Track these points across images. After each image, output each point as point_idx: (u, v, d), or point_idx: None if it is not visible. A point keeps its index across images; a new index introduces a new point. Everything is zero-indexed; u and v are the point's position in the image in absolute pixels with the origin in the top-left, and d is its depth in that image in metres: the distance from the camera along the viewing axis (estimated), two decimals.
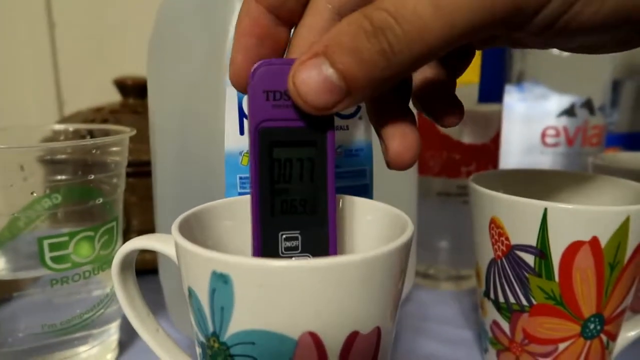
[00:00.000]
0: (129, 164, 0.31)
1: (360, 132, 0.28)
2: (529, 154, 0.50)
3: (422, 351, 0.32)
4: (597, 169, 0.36)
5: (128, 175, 0.31)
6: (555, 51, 0.46)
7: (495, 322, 0.28)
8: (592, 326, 0.25)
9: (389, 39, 0.15)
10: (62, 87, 0.70)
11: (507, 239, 0.26)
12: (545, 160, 0.50)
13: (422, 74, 0.21)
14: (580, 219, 0.23)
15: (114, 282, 0.22)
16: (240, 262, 0.15)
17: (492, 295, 0.28)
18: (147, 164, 0.33)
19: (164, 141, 0.30)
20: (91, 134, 0.32)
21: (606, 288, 0.25)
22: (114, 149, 0.28)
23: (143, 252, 0.21)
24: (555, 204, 0.24)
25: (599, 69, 0.48)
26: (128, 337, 0.32)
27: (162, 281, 0.33)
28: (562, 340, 0.26)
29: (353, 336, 0.16)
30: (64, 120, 0.49)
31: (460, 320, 0.36)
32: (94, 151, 0.27)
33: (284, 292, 0.15)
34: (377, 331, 0.17)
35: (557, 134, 0.49)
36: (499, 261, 0.27)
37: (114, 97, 0.49)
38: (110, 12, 0.67)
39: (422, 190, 0.39)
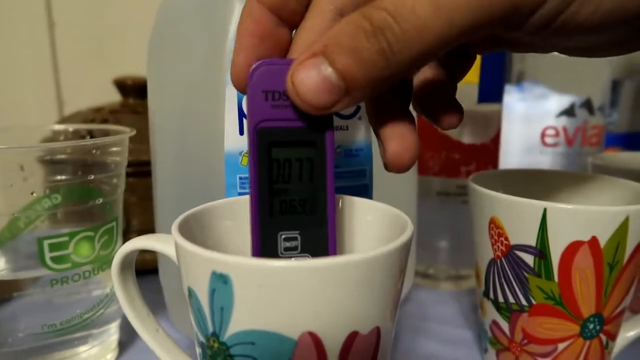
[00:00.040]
0: (129, 164, 0.31)
1: (360, 133, 0.28)
2: (529, 154, 0.51)
3: (422, 351, 0.32)
4: (596, 169, 0.36)
5: (128, 175, 0.31)
6: None
7: (494, 322, 0.28)
8: (591, 326, 0.25)
9: (388, 38, 0.15)
10: (62, 87, 0.70)
11: (506, 239, 0.26)
12: (544, 160, 0.50)
13: (422, 76, 0.21)
14: (579, 219, 0.24)
15: (114, 282, 0.22)
16: (240, 262, 0.15)
17: (491, 295, 0.28)
18: (147, 164, 0.33)
19: (164, 141, 0.30)
20: (91, 134, 0.32)
21: (605, 288, 0.25)
22: (114, 149, 0.28)
23: (143, 252, 0.21)
24: (555, 204, 0.24)
25: (599, 69, 0.48)
26: (128, 337, 0.32)
27: (162, 281, 0.33)
28: (562, 340, 0.26)
29: (352, 336, 0.16)
30: (63, 120, 0.49)
31: (459, 320, 0.36)
32: (94, 151, 0.27)
33: (283, 292, 0.15)
34: (377, 331, 0.17)
35: (557, 134, 0.49)
36: (498, 261, 0.27)
37: (114, 97, 0.49)
38: (110, 12, 0.67)
39: (421, 190, 0.39)
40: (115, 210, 0.29)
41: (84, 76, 0.68)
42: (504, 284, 0.26)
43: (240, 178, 0.26)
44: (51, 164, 0.26)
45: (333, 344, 0.16)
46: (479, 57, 0.38)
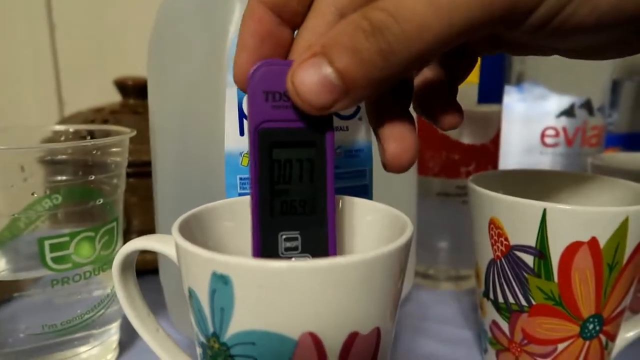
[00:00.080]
0: (130, 165, 0.31)
1: (360, 133, 0.28)
2: (529, 154, 0.51)
3: (422, 351, 0.32)
4: (596, 169, 0.36)
5: (128, 175, 0.31)
6: None
7: (494, 323, 0.28)
8: (591, 326, 0.25)
9: (387, 38, 0.15)
10: (63, 87, 0.70)
11: (506, 239, 0.26)
12: (544, 160, 0.50)
13: (423, 77, 0.21)
14: (579, 219, 0.24)
15: (114, 283, 0.22)
16: (240, 263, 0.15)
17: (491, 296, 0.28)
18: (148, 164, 0.33)
19: (164, 142, 0.30)
20: (91, 134, 0.32)
21: (605, 288, 0.25)
22: (115, 149, 0.29)
23: (143, 252, 0.21)
24: (554, 205, 0.24)
25: (599, 70, 0.48)
26: (128, 338, 0.32)
27: (162, 281, 0.33)
28: (561, 340, 0.26)
29: (353, 336, 0.17)
30: (64, 120, 0.49)
31: (459, 320, 0.36)
32: (94, 152, 0.27)
33: (283, 292, 0.15)
34: (377, 331, 0.17)
35: (557, 135, 0.49)
36: (498, 261, 0.27)
37: (114, 97, 0.49)
38: (110, 13, 0.67)
39: (421, 191, 0.39)
40: (116, 210, 0.29)
41: (84, 77, 0.68)
42: (504, 284, 0.27)
43: (241, 178, 0.26)
44: (52, 164, 0.26)
45: (333, 344, 0.16)
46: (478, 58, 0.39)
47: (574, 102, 0.48)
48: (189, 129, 0.28)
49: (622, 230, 0.24)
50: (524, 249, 0.25)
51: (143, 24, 0.39)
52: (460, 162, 0.40)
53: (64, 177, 0.26)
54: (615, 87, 0.57)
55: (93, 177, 0.27)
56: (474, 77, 0.39)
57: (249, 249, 0.19)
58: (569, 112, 0.49)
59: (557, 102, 0.49)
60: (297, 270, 0.15)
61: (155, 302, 0.27)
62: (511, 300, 0.26)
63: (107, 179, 0.28)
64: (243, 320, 0.16)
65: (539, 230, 0.24)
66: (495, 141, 0.41)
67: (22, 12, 0.66)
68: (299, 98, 0.16)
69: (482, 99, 0.39)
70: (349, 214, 0.23)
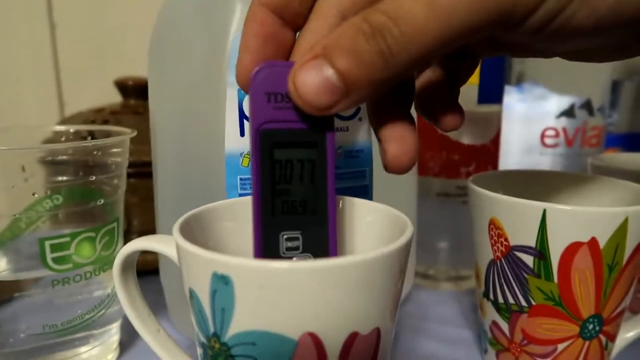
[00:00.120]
0: (130, 165, 0.31)
1: (360, 134, 0.28)
2: (529, 154, 0.51)
3: (422, 351, 0.32)
4: (596, 169, 0.36)
5: (129, 176, 0.31)
6: None
7: (494, 323, 0.28)
8: (590, 327, 0.25)
9: (387, 40, 0.15)
10: (63, 87, 0.70)
11: (506, 239, 0.26)
12: (544, 160, 0.50)
13: (424, 78, 0.21)
14: (579, 220, 0.24)
15: (115, 283, 0.22)
16: (241, 263, 0.16)
17: (491, 296, 0.28)
18: (148, 164, 0.33)
19: (165, 142, 0.30)
20: (92, 135, 0.32)
21: (605, 289, 0.25)
22: (115, 150, 0.29)
23: (144, 252, 0.21)
24: (554, 205, 0.24)
25: (598, 70, 0.48)
26: (129, 338, 0.32)
27: (162, 282, 0.33)
28: (561, 340, 0.26)
29: (353, 337, 0.17)
30: (64, 121, 0.49)
31: (459, 321, 0.36)
32: (95, 152, 0.27)
33: (284, 293, 0.15)
34: (377, 332, 0.17)
35: (557, 135, 0.49)
36: (498, 262, 0.27)
37: (114, 98, 0.49)
38: (111, 13, 0.67)
39: (421, 191, 0.39)
40: (117, 211, 0.29)
41: (84, 77, 0.68)
42: (504, 284, 0.27)
43: (241, 179, 0.26)
44: (52, 164, 0.26)
45: (333, 344, 0.16)
46: None
47: (574, 103, 0.48)
48: (189, 129, 0.28)
49: (621, 230, 0.24)
50: (524, 249, 0.25)
51: (144, 25, 0.39)
52: (460, 163, 0.40)
53: (64, 178, 0.26)
54: (615, 87, 0.57)
55: (94, 178, 0.27)
56: (474, 77, 0.39)
57: (250, 250, 0.19)
58: (569, 113, 0.49)
59: (557, 103, 0.49)
60: (297, 270, 0.15)
61: (156, 303, 0.27)
62: (511, 300, 0.26)
63: (108, 179, 0.28)
64: (243, 320, 0.16)
65: (538, 231, 0.24)
66: (495, 141, 0.41)
67: (23, 12, 0.67)
68: (300, 99, 0.16)
69: (482, 99, 0.39)
70: (349, 214, 0.23)
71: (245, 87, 0.19)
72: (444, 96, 0.21)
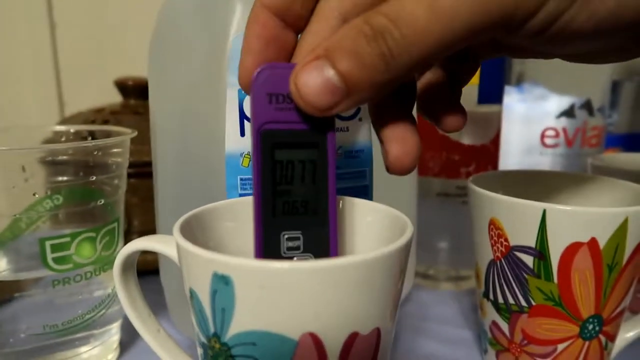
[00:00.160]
0: (130, 165, 0.31)
1: (360, 134, 0.28)
2: (529, 154, 0.51)
3: (422, 351, 0.32)
4: (596, 170, 0.36)
5: (129, 176, 0.31)
6: None
7: (494, 323, 0.28)
8: (590, 327, 0.25)
9: (388, 42, 0.15)
10: (63, 87, 0.70)
11: (506, 240, 0.26)
12: (544, 161, 0.50)
13: (426, 80, 0.21)
14: (578, 220, 0.24)
15: (115, 283, 0.22)
16: (241, 263, 0.16)
17: (491, 296, 0.28)
18: (148, 165, 0.33)
19: (165, 142, 0.30)
20: (92, 135, 0.32)
21: (605, 289, 0.25)
22: (115, 150, 0.29)
23: (144, 252, 0.21)
24: (554, 206, 0.24)
25: (598, 70, 0.48)
26: (129, 338, 0.32)
27: (163, 282, 0.33)
28: (561, 341, 0.26)
29: (353, 337, 0.17)
30: (64, 121, 0.49)
31: (459, 321, 0.36)
32: (95, 152, 0.27)
33: (284, 293, 0.15)
34: (377, 332, 0.17)
35: (557, 135, 0.49)
36: (498, 262, 0.27)
37: (114, 98, 0.49)
38: (111, 13, 0.67)
39: (421, 191, 0.39)
40: (117, 211, 0.29)
41: (85, 77, 0.68)
42: (504, 284, 0.27)
43: (241, 179, 0.26)
44: (53, 165, 0.26)
45: (333, 344, 0.16)
46: None
47: (574, 103, 0.48)
48: (189, 129, 0.28)
49: (621, 230, 0.24)
50: (524, 249, 0.25)
51: (144, 25, 0.39)
52: (461, 163, 0.40)
53: (65, 178, 0.26)
54: (615, 87, 0.57)
55: (94, 178, 0.27)
56: (474, 78, 0.38)
57: (250, 250, 0.19)
58: (569, 113, 0.49)
59: (557, 103, 0.49)
60: (297, 270, 0.15)
61: (156, 303, 0.27)
62: (511, 300, 0.26)
63: (108, 179, 0.28)
64: (244, 320, 0.16)
65: (538, 231, 0.24)
66: (495, 142, 0.41)
67: (23, 11, 0.67)
68: (302, 99, 0.16)
69: (482, 99, 0.39)
70: (349, 214, 0.23)
71: (247, 88, 0.19)
72: (446, 97, 0.21)
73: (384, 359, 0.19)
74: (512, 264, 0.26)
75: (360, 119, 0.27)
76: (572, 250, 0.24)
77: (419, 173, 0.38)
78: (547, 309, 0.25)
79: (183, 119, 0.29)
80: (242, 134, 0.26)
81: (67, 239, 0.26)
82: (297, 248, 0.20)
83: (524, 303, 0.26)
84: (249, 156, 0.26)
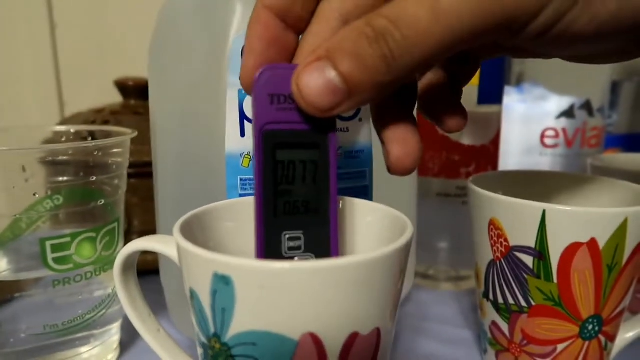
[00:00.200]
0: (131, 165, 0.31)
1: (361, 134, 0.28)
2: (528, 155, 0.51)
3: (422, 351, 0.32)
4: (595, 170, 0.36)
5: (129, 176, 0.31)
6: None
7: (494, 323, 0.28)
8: (590, 327, 0.25)
9: (389, 44, 0.15)
10: (63, 88, 0.70)
11: (506, 240, 0.26)
12: (544, 161, 0.50)
13: (427, 80, 0.21)
14: (578, 220, 0.24)
15: (115, 283, 0.22)
16: (242, 263, 0.16)
17: (491, 296, 0.28)
18: (149, 165, 0.33)
19: (165, 142, 0.30)
20: (93, 135, 0.32)
21: (604, 289, 0.25)
22: (116, 150, 0.29)
23: (144, 252, 0.21)
24: (554, 206, 0.24)
25: (598, 71, 0.48)
26: (129, 338, 0.32)
27: (163, 282, 0.33)
28: (561, 341, 0.26)
29: (353, 337, 0.17)
30: (64, 121, 0.49)
31: (459, 321, 0.36)
32: (95, 153, 0.27)
33: (284, 293, 0.15)
34: (377, 332, 0.17)
35: (556, 135, 0.49)
36: (498, 262, 0.27)
37: (115, 98, 0.49)
38: (111, 13, 0.67)
39: (421, 191, 0.39)
40: (117, 211, 0.29)
41: (85, 77, 0.68)
42: (504, 285, 0.27)
43: (241, 179, 0.26)
44: (53, 165, 0.26)
45: (334, 344, 0.16)
46: None
47: (573, 103, 0.48)
48: (189, 129, 0.28)
49: (621, 231, 0.24)
50: (524, 249, 0.25)
51: (144, 25, 0.39)
52: (460, 163, 0.40)
53: (65, 178, 0.26)
54: (615, 88, 0.57)
55: (94, 178, 0.27)
56: (474, 78, 0.39)
57: (250, 250, 0.19)
58: (568, 113, 0.49)
59: (556, 103, 0.49)
60: (298, 271, 0.15)
61: (156, 303, 0.27)
62: (511, 301, 0.26)
63: (109, 179, 0.28)
64: (244, 320, 0.16)
65: (538, 231, 0.24)
66: (495, 142, 0.41)
67: (23, 12, 0.67)
68: (303, 100, 0.16)
69: (482, 99, 0.39)
70: (349, 214, 0.23)
71: (249, 89, 0.19)
72: (447, 98, 0.21)
73: (384, 359, 0.19)
74: (512, 264, 0.26)
75: (360, 120, 0.27)
76: (571, 250, 0.24)
77: (419, 173, 0.38)
78: (546, 309, 0.25)
79: (183, 119, 0.29)
80: (242, 134, 0.26)
81: (68, 239, 0.26)
82: (299, 248, 0.20)
83: (523, 303, 0.26)
84: (249, 156, 0.26)
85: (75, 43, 0.68)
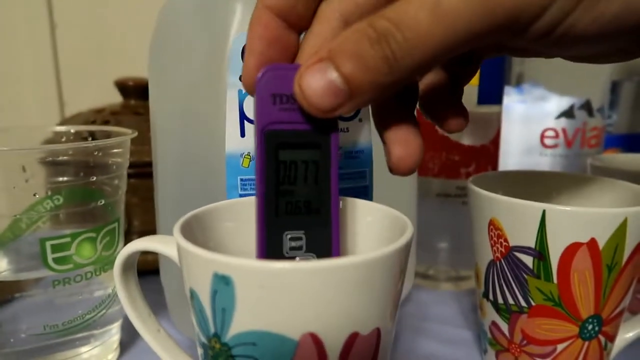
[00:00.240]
0: (131, 165, 0.31)
1: (360, 134, 0.28)
2: (528, 155, 0.51)
3: (422, 351, 0.32)
4: (595, 170, 0.36)
5: (129, 176, 0.31)
6: None
7: (494, 323, 0.28)
8: (590, 327, 0.25)
9: (391, 45, 0.15)
10: (63, 88, 0.70)
11: (505, 240, 0.26)
12: (544, 161, 0.50)
13: (428, 80, 0.21)
14: (578, 220, 0.24)
15: (116, 283, 0.22)
16: (242, 263, 0.16)
17: (491, 297, 0.28)
18: (149, 165, 0.33)
19: (165, 142, 0.30)
20: (93, 135, 0.32)
21: (604, 289, 0.25)
22: (116, 150, 0.29)
23: (145, 252, 0.21)
24: (554, 206, 0.24)
25: (598, 71, 0.48)
26: (129, 338, 0.32)
27: (163, 282, 0.33)
28: (561, 341, 0.26)
29: (353, 337, 0.17)
30: (65, 121, 0.49)
31: (459, 321, 0.36)
32: (95, 153, 0.27)
33: (284, 293, 0.15)
34: (377, 332, 0.17)
35: (556, 136, 0.49)
36: (497, 262, 0.27)
37: (115, 98, 0.49)
38: (111, 13, 0.67)
39: (421, 191, 0.39)
40: (117, 211, 0.29)
41: (85, 77, 0.68)
42: (504, 285, 0.27)
43: (241, 179, 0.26)
44: (53, 165, 0.26)
45: (334, 344, 0.16)
46: None
47: (573, 103, 0.48)
48: (189, 129, 0.28)
49: (621, 231, 0.24)
50: (524, 250, 0.25)
51: (144, 25, 0.39)
52: (460, 163, 0.40)
53: (65, 178, 0.26)
54: (615, 88, 0.57)
55: (94, 178, 0.27)
56: (474, 78, 0.39)
57: (250, 250, 0.20)
58: (568, 113, 0.49)
59: (556, 103, 0.49)
60: (298, 271, 0.15)
61: (156, 303, 0.27)
62: (511, 301, 0.26)
63: (109, 179, 0.28)
64: (244, 320, 0.16)
65: (538, 232, 0.24)
66: (495, 142, 0.41)
67: (23, 12, 0.67)
68: (306, 101, 0.16)
69: (482, 100, 0.40)
70: (349, 215, 0.23)
71: (250, 89, 0.19)
72: (448, 98, 0.21)
73: (384, 359, 0.19)
74: (511, 265, 0.26)
75: (360, 120, 0.27)
76: (571, 250, 0.24)
77: (419, 173, 0.38)
78: (546, 309, 0.25)
79: (183, 119, 0.29)
80: (243, 134, 0.26)
81: (68, 239, 0.26)
82: (300, 248, 0.20)
83: (523, 303, 0.26)
84: (249, 156, 0.26)
85: (75, 43, 0.68)
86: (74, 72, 0.69)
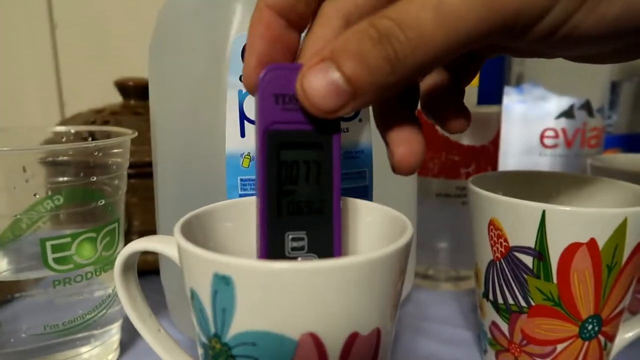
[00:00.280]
0: (131, 166, 0.31)
1: (360, 135, 0.28)
2: (528, 155, 0.51)
3: (422, 351, 0.32)
4: (595, 170, 0.36)
5: (129, 176, 0.31)
6: None
7: (494, 323, 0.28)
8: (590, 327, 0.25)
9: (393, 45, 0.15)
10: (64, 88, 0.70)
11: (505, 240, 0.26)
12: (544, 161, 0.50)
13: (429, 81, 0.21)
14: (578, 220, 0.24)
15: (116, 284, 0.22)
16: (242, 264, 0.16)
17: (491, 297, 0.28)
18: (149, 165, 0.33)
19: (165, 143, 0.30)
20: (93, 135, 0.32)
21: (604, 289, 0.25)
22: (116, 150, 0.29)
23: (145, 252, 0.22)
24: (553, 206, 0.24)
25: (598, 71, 0.49)
26: (129, 338, 0.32)
27: (163, 282, 0.33)
28: (560, 341, 0.26)
29: (353, 337, 0.17)
30: (65, 121, 0.49)
31: (459, 321, 0.36)
32: (95, 153, 0.28)
33: (285, 293, 0.15)
34: (377, 332, 0.18)
35: (556, 136, 0.49)
36: (497, 262, 0.27)
37: (115, 98, 0.49)
38: (111, 13, 0.67)
39: (421, 191, 0.39)
40: (117, 211, 0.29)
41: (85, 77, 0.69)
42: (503, 285, 0.27)
43: (242, 180, 0.26)
44: (53, 165, 0.26)
45: (334, 344, 0.16)
46: None
47: (573, 103, 0.48)
48: (190, 130, 0.28)
49: (620, 231, 0.24)
50: (524, 250, 0.25)
51: (144, 25, 0.39)
52: (460, 163, 0.40)
53: (65, 178, 0.26)
54: (615, 88, 0.57)
55: (94, 178, 0.27)
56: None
57: (251, 250, 0.20)
58: (568, 113, 0.49)
59: (556, 103, 0.49)
60: (298, 271, 0.15)
61: (157, 303, 0.27)
62: (510, 301, 0.27)
63: (109, 180, 0.28)
64: (244, 320, 0.16)
65: (538, 232, 0.24)
66: (495, 142, 0.41)
67: (23, 12, 0.67)
68: (308, 101, 0.16)
69: (481, 100, 0.40)
70: (349, 215, 0.23)
71: (251, 89, 0.19)
72: (450, 98, 0.21)
73: (384, 359, 0.19)
74: (511, 265, 0.26)
75: (360, 120, 0.27)
76: (571, 250, 0.24)
77: (419, 173, 0.38)
78: (546, 309, 0.25)
79: (183, 120, 0.29)
80: (243, 134, 0.26)
81: (68, 240, 0.26)
82: (302, 248, 0.20)
83: (523, 303, 0.26)
84: (249, 157, 0.26)
85: (75, 43, 0.68)
86: (74, 72, 0.69)
